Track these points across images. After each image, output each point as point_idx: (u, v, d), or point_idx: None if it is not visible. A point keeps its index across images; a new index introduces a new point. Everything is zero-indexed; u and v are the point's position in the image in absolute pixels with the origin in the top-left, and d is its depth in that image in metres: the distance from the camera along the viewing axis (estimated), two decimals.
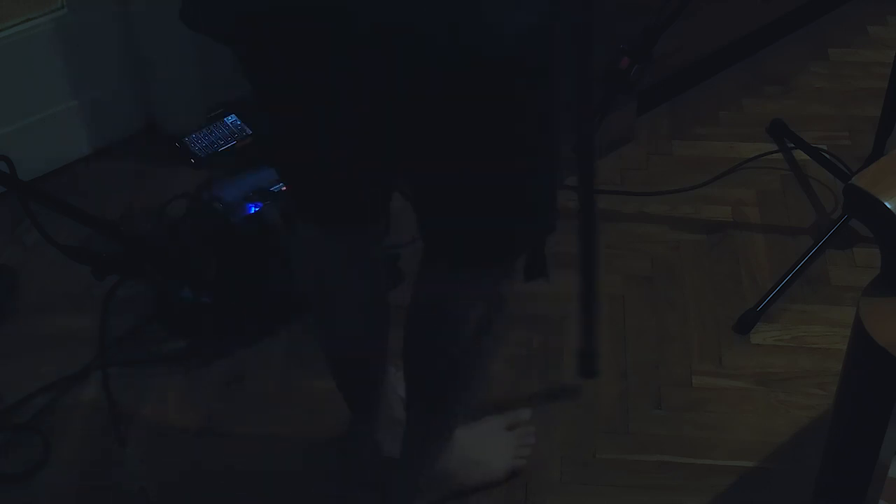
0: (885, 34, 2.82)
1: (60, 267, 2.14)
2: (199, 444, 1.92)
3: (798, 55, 2.75)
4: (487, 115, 1.15)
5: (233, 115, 2.11)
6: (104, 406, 1.97)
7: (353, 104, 1.18)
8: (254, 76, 1.25)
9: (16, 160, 1.84)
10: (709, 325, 2.09)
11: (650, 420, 1.93)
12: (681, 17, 2.07)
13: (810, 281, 2.17)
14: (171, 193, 2.30)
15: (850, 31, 2.83)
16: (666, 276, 2.19)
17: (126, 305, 2.12)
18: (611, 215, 2.23)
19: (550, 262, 1.40)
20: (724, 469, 1.85)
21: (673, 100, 2.59)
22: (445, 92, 1.13)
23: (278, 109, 1.28)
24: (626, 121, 2.44)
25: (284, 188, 1.69)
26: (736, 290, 2.15)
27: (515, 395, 1.96)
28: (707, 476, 1.84)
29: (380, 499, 1.75)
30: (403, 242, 2.24)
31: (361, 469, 1.79)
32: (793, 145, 2.47)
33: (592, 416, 1.94)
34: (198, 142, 2.06)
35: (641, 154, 2.46)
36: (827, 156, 2.40)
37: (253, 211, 1.98)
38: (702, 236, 2.27)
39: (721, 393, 1.98)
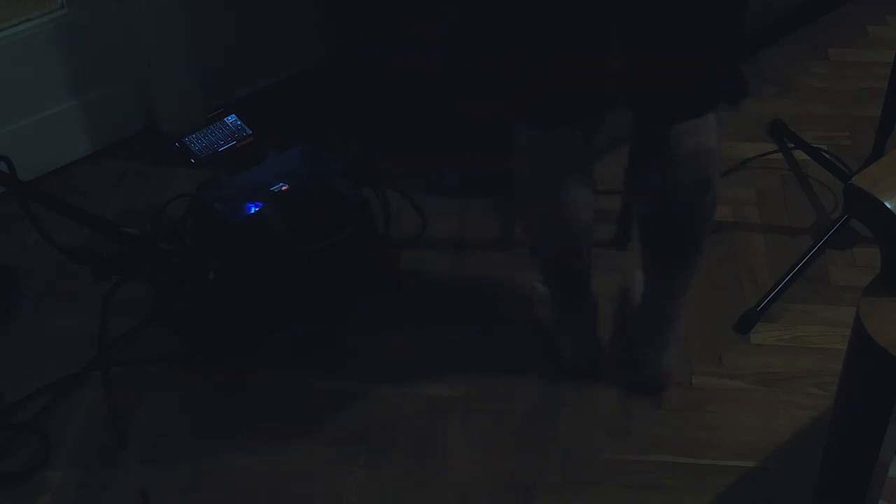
0: (885, 34, 2.82)
1: (60, 267, 2.14)
2: (199, 444, 1.92)
3: (798, 55, 2.75)
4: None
5: (233, 115, 2.11)
6: (104, 406, 1.97)
7: None
8: None
9: (16, 160, 1.84)
10: (709, 325, 2.09)
11: (650, 420, 1.94)
12: None
13: (810, 281, 2.17)
14: (171, 193, 2.31)
15: (850, 31, 2.83)
16: None
17: (126, 305, 2.12)
18: (611, 215, 2.22)
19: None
20: (724, 469, 1.85)
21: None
22: None
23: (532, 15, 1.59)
24: (627, 120, 2.43)
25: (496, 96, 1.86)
26: (736, 290, 2.15)
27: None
28: (707, 476, 1.84)
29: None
30: (403, 242, 2.25)
31: (576, 354, 1.98)
32: (793, 145, 2.47)
33: (592, 416, 1.94)
34: (198, 142, 2.06)
35: None
36: (827, 156, 2.40)
37: (253, 211, 1.98)
38: None
39: (721, 393, 1.98)
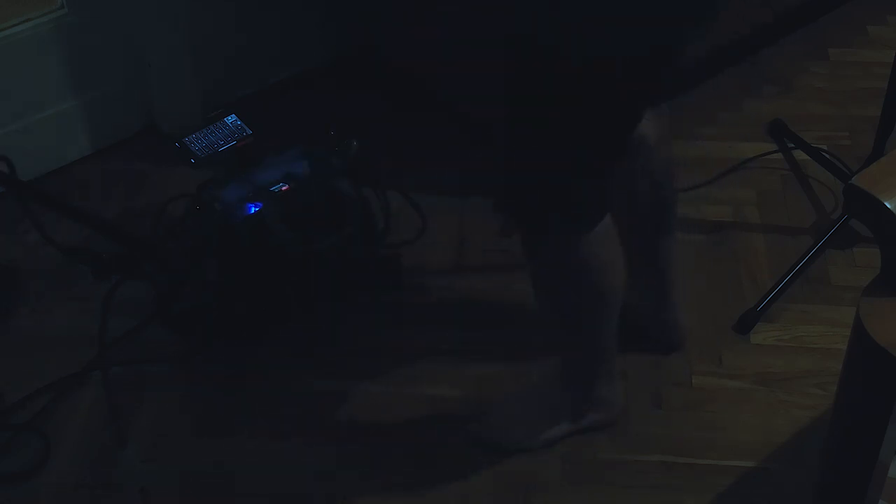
0: (885, 34, 2.82)
1: (60, 267, 2.14)
2: (199, 444, 1.92)
3: (798, 55, 2.75)
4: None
5: (233, 115, 2.11)
6: (104, 406, 1.97)
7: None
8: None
9: (16, 160, 1.85)
10: (709, 325, 2.09)
11: (650, 420, 1.94)
12: None
13: (810, 281, 2.17)
14: (171, 193, 2.31)
15: (850, 31, 2.83)
16: None
17: (126, 305, 2.12)
18: None
19: None
20: (724, 469, 1.85)
21: (673, 100, 2.59)
22: None
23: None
24: None
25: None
26: (736, 290, 2.15)
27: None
28: (707, 476, 1.84)
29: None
30: (403, 242, 2.25)
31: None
32: (793, 145, 2.47)
33: None
34: (198, 142, 2.06)
35: None
36: (827, 156, 2.40)
37: (253, 211, 1.98)
38: (702, 236, 2.27)
39: (721, 393, 1.98)
